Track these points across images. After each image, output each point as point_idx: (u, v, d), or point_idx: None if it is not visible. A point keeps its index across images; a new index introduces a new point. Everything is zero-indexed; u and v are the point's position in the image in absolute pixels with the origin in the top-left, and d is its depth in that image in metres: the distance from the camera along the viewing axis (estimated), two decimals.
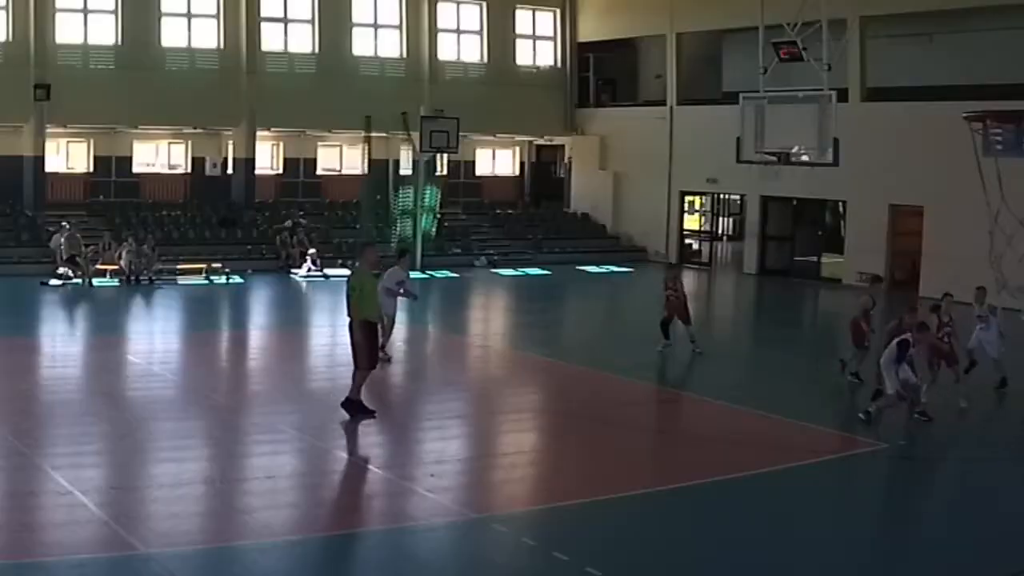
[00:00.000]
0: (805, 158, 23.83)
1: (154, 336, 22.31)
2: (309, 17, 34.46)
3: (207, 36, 33.08)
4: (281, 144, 35.93)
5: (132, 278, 27.61)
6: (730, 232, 40.86)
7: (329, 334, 22.49)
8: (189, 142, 34.43)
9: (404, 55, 35.99)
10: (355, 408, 14.39)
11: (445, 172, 35.84)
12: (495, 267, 33.51)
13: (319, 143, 36.45)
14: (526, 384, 18.26)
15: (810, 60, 23.54)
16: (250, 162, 33.74)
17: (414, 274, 30.14)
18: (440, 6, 36.60)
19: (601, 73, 39.13)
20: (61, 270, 27.38)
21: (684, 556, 10.29)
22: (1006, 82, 25.66)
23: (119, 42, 31.73)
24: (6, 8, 30.45)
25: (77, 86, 30.64)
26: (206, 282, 28.51)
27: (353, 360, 14.56)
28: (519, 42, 38.37)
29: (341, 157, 37.00)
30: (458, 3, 37.17)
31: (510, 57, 38.07)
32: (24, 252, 29.06)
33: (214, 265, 29.09)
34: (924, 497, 12.54)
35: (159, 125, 33.18)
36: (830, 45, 23.32)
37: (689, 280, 34.68)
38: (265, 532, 10.38)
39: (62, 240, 27.72)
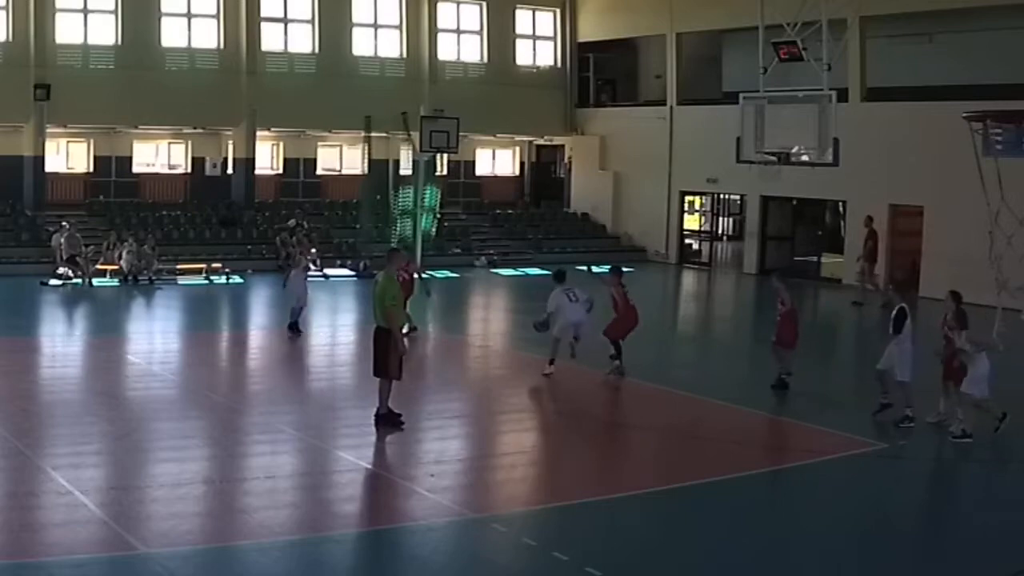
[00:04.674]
0: (805, 158, 23.81)
1: (154, 336, 22.32)
2: (309, 17, 34.47)
3: (207, 36, 33.08)
4: (281, 144, 35.94)
5: (132, 278, 27.62)
6: (730, 232, 40.88)
7: (328, 334, 22.50)
8: (189, 142, 34.44)
9: (404, 55, 36.00)
10: (389, 420, 14.01)
11: (445, 172, 35.86)
12: (495, 267, 33.51)
13: (319, 143, 36.46)
14: (526, 384, 18.24)
15: (810, 60, 23.52)
16: (250, 162, 33.74)
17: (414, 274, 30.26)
18: (440, 6, 36.60)
19: (601, 73, 39.14)
20: (61, 270, 27.39)
21: (684, 556, 10.30)
22: (1006, 82, 25.67)
23: (119, 42, 31.73)
24: (6, 8, 30.46)
25: (77, 86, 30.66)
26: (206, 282, 28.52)
27: (378, 370, 14.03)
28: (519, 42, 38.39)
29: (341, 157, 37.02)
30: (458, 3, 37.18)
31: (510, 57, 38.08)
32: (24, 252, 29.05)
33: (214, 265, 29.10)
34: (924, 497, 12.54)
35: (159, 125, 33.20)
36: (830, 45, 23.30)
37: (689, 280, 34.82)
38: (265, 532, 10.39)
39: (62, 240, 27.72)
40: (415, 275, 20.37)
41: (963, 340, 14.21)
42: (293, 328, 20.50)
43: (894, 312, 14.82)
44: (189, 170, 34.57)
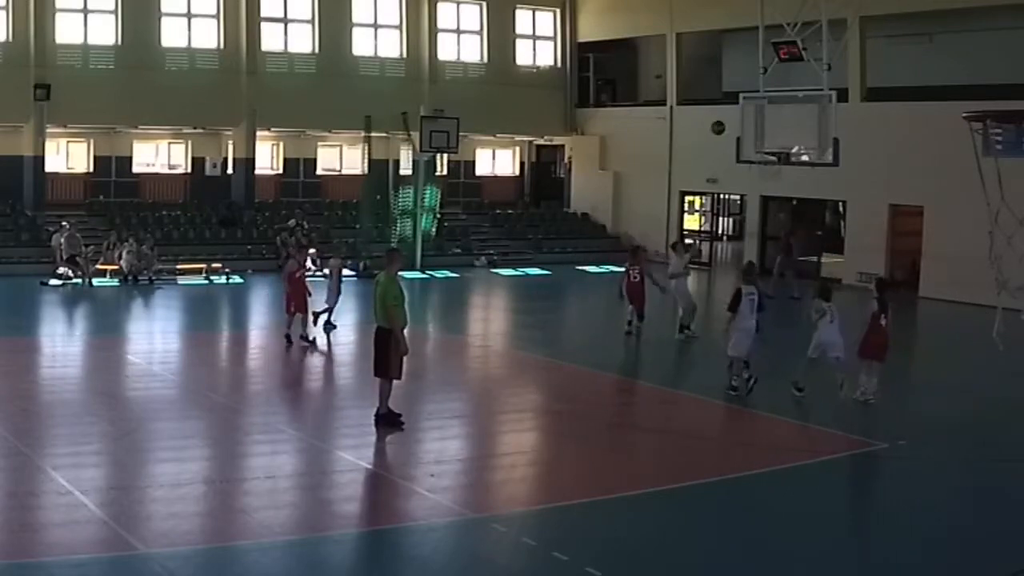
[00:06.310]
0: (805, 158, 23.81)
1: (154, 336, 22.32)
2: (309, 17, 34.47)
3: (207, 36, 33.08)
4: (281, 144, 35.94)
5: (132, 278, 27.62)
6: (730, 232, 40.87)
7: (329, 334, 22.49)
8: (189, 142, 34.44)
9: (404, 55, 36.00)
10: (389, 420, 13.99)
11: (445, 172, 35.87)
12: (495, 267, 33.51)
13: (319, 143, 36.47)
14: (526, 384, 18.25)
15: (810, 60, 23.52)
16: (250, 162, 33.75)
17: (414, 274, 30.29)
18: (440, 6, 36.61)
19: (601, 73, 39.16)
20: (61, 270, 27.39)
21: (684, 556, 10.29)
22: (1006, 82, 25.67)
23: (119, 42, 31.73)
24: (6, 8, 30.46)
25: (77, 86, 30.66)
26: (206, 282, 28.52)
27: (379, 370, 14.00)
28: (519, 42, 38.40)
29: (341, 157, 37.03)
30: (458, 3, 37.18)
31: (510, 57, 38.09)
32: (24, 252, 29.05)
33: (214, 265, 29.10)
34: (923, 497, 12.53)
35: (159, 125, 33.20)
36: (830, 45, 23.30)
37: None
38: (265, 532, 10.39)
39: (62, 240, 27.73)
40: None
41: (886, 323, 16.02)
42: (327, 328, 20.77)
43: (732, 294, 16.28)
44: (189, 170, 34.57)
